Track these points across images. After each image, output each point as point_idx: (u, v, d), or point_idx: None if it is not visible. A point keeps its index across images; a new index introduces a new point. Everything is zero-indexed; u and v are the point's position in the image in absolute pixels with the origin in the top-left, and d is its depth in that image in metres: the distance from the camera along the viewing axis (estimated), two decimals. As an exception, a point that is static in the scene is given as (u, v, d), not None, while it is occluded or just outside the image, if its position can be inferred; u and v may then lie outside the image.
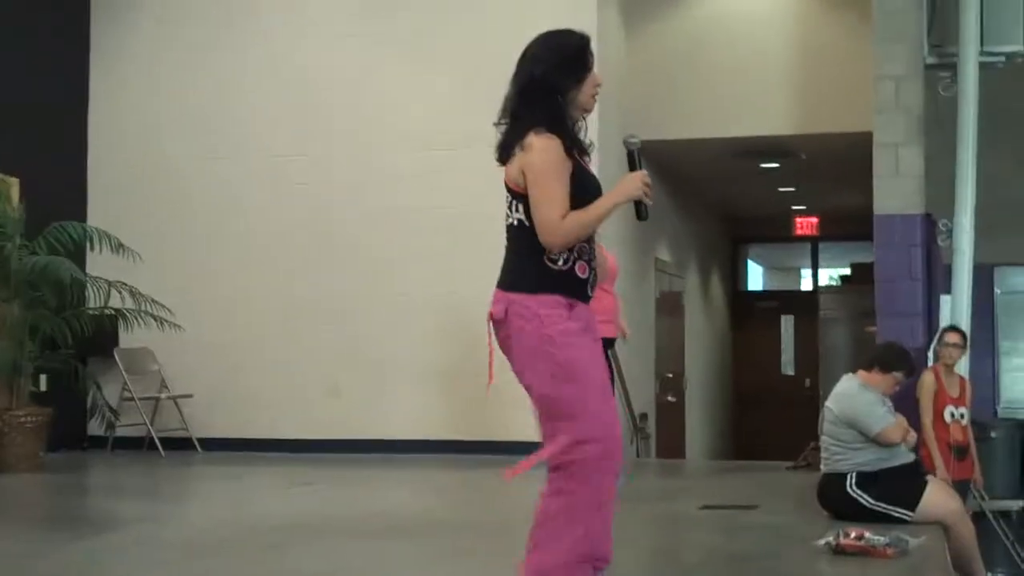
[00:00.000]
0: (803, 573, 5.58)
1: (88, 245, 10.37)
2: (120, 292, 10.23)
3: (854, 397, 6.92)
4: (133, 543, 6.42)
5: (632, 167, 4.39)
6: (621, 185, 4.28)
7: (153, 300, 10.33)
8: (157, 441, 10.98)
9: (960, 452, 8.53)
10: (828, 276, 19.60)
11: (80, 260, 10.73)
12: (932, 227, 9.86)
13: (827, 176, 14.32)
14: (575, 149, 4.26)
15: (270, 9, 11.63)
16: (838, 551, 5.77)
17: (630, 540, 6.68)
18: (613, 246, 11.51)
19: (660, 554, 6.29)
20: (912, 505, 6.66)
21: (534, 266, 4.22)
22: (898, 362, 7.12)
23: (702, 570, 5.71)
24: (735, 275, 19.69)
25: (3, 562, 5.74)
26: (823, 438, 7.03)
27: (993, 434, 10.89)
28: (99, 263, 10.70)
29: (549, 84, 4.28)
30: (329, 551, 6.01)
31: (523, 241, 4.24)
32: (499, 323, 4.24)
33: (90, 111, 11.80)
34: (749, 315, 19.15)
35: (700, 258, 16.61)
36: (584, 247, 4.29)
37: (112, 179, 11.69)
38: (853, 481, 6.78)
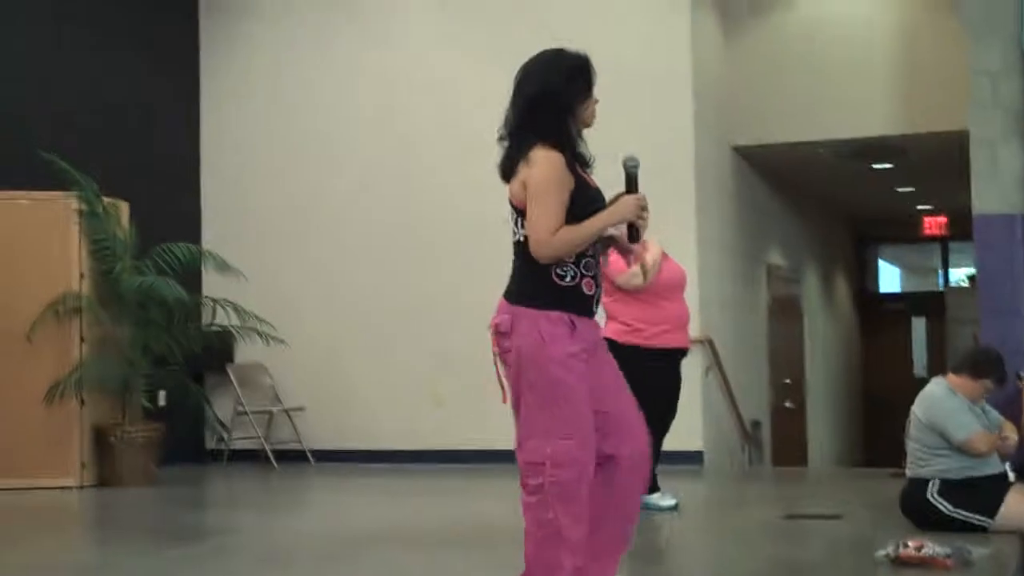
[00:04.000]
0: (858, 584, 5.49)
1: (195, 264, 10.67)
2: (225, 309, 10.53)
3: (940, 402, 6.73)
4: (209, 554, 6.63)
5: (629, 189, 4.44)
6: (616, 207, 4.34)
7: (257, 316, 10.60)
8: (270, 454, 11.28)
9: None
10: (961, 276, 19.12)
11: (197, 279, 11.13)
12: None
13: (947, 175, 13.96)
14: (577, 163, 4.33)
15: (374, 20, 11.85)
16: (897, 562, 5.68)
17: (696, 549, 6.70)
18: (717, 252, 11.49)
19: (721, 563, 6.26)
20: (991, 512, 6.51)
21: (542, 281, 4.28)
22: (990, 369, 6.85)
23: (757, 580, 5.67)
24: (863, 277, 19.32)
25: (71, 574, 5.98)
26: (908, 443, 6.88)
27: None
28: (214, 283, 11.04)
29: (557, 101, 4.34)
30: (385, 562, 6.12)
31: (530, 257, 4.30)
32: (503, 335, 4.32)
33: (201, 134, 12.18)
34: (879, 317, 18.78)
35: (820, 261, 16.35)
36: (591, 263, 4.34)
37: (223, 201, 12.06)
38: (935, 489, 6.64)
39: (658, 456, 7.70)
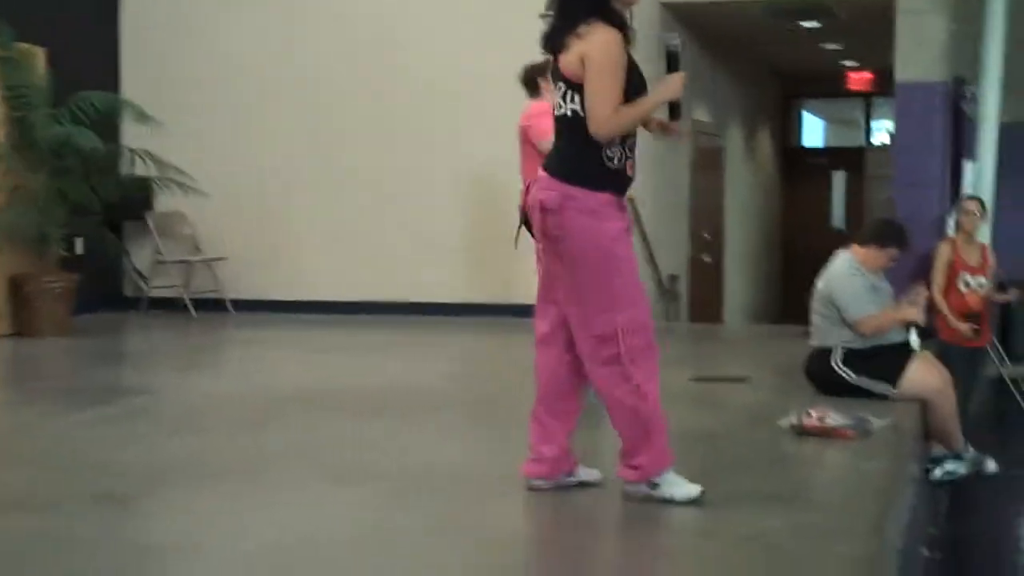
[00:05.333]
0: (760, 454, 5.62)
1: (114, 113, 10.47)
2: (144, 159, 10.38)
3: (842, 279, 6.92)
4: (119, 417, 6.51)
5: (671, 68, 4.47)
6: (665, 86, 4.43)
7: (176, 168, 10.46)
8: (189, 303, 11.27)
9: (974, 320, 8.53)
10: (884, 129, 19.24)
11: (115, 128, 10.91)
12: (959, 92, 9.67)
13: (874, 35, 13.96)
14: (630, 43, 4.38)
15: None
16: (800, 432, 5.85)
17: (599, 417, 6.79)
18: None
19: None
20: (894, 380, 6.71)
21: (592, 162, 4.36)
22: (894, 237, 7.10)
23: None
24: (788, 132, 19.39)
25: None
26: (812, 314, 7.06)
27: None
28: (135, 133, 10.81)
29: None
30: (303, 430, 6.08)
31: (580, 133, 4.34)
32: (550, 211, 4.36)
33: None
34: (801, 171, 18.92)
35: (746, 116, 16.38)
36: (634, 143, 4.44)
37: (145, 48, 11.75)
38: (839, 357, 6.83)
39: None
